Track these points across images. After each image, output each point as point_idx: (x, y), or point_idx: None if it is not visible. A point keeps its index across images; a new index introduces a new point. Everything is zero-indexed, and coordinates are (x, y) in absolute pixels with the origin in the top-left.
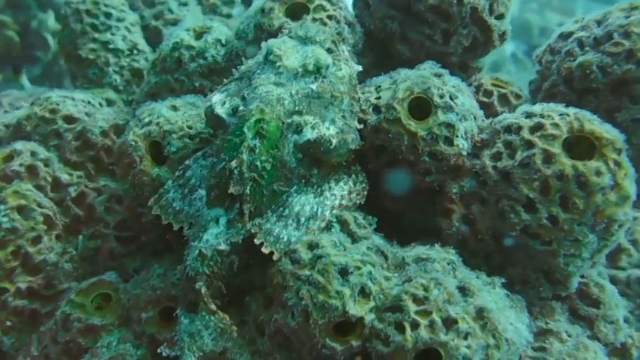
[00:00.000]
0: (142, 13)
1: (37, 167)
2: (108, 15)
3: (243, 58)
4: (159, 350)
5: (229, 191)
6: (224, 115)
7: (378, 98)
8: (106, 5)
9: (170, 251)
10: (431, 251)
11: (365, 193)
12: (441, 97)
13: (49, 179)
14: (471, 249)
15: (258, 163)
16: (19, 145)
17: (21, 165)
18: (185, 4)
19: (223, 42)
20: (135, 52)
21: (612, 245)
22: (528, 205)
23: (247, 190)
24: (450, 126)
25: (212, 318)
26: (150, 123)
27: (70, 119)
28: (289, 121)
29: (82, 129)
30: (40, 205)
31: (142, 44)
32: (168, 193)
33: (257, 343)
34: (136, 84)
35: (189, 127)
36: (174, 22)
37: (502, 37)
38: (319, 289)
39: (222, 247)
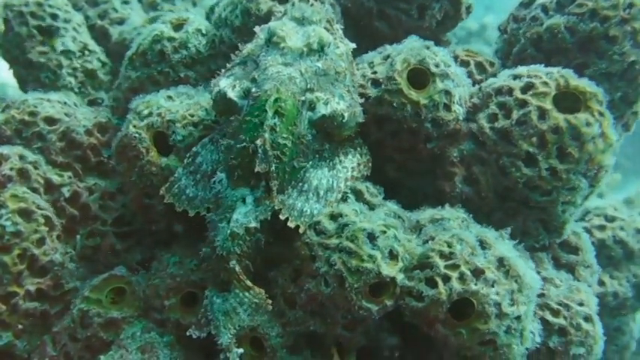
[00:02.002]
0: (87, 12)
1: (28, 170)
2: (54, 16)
3: (240, 45)
4: (188, 333)
5: (255, 170)
6: (236, 98)
7: (375, 73)
8: (50, 6)
9: (176, 240)
10: (443, 212)
11: (370, 164)
12: (437, 65)
13: (42, 181)
14: (474, 208)
15: (280, 140)
16: (5, 150)
17: (11, 169)
18: (127, 2)
19: (204, 32)
20: (86, 52)
21: (597, 190)
22: (528, 160)
23: (272, 167)
24: (447, 93)
25: (246, 294)
26: (151, 114)
27: (51, 120)
28: (303, 98)
29: (65, 129)
30: (39, 207)
31: (92, 44)
32: (179, 180)
33: (287, 315)
34: (90, 85)
35: (192, 116)
36: (120, 21)
37: (468, 10)
38: (351, 254)
39: (253, 224)
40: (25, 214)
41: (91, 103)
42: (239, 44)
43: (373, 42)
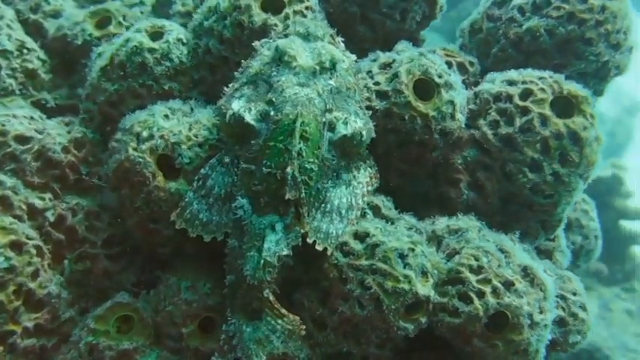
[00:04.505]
0: (17, 6)
1: (9, 197)
2: None
3: (227, 56)
4: None
5: (286, 197)
6: (253, 122)
7: (378, 84)
8: None
9: (177, 261)
10: (459, 222)
11: (378, 175)
12: (440, 76)
13: (24, 207)
14: (478, 212)
15: (306, 165)
16: None
17: None
18: None
19: (184, 40)
20: (25, 51)
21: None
22: (533, 165)
23: (303, 194)
24: (452, 103)
25: (279, 321)
26: (152, 137)
27: (22, 139)
28: (324, 120)
29: (40, 148)
30: (28, 237)
31: (30, 42)
32: (191, 205)
33: (315, 337)
34: (32, 86)
35: (195, 136)
36: (55, 14)
37: (441, 9)
38: (386, 276)
39: (285, 252)
40: (17, 246)
41: (35, 105)
42: (227, 56)
43: (352, 45)
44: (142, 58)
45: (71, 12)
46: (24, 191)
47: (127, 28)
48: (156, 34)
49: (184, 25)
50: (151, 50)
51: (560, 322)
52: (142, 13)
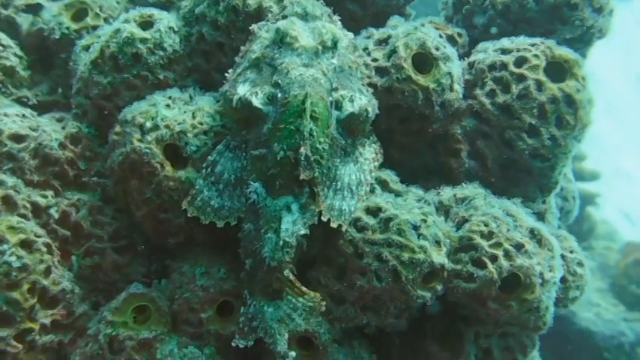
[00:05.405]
0: None
1: (12, 196)
2: None
3: (221, 41)
4: (234, 343)
5: (301, 177)
6: (261, 106)
7: (376, 60)
8: None
9: (186, 249)
10: (464, 190)
11: (382, 150)
12: (437, 49)
13: (28, 206)
14: (479, 180)
15: (318, 145)
16: None
17: None
18: None
19: (175, 29)
20: (0, 48)
21: None
22: (531, 131)
23: (316, 173)
24: (450, 74)
25: (300, 299)
26: (157, 127)
27: (17, 138)
28: (330, 99)
29: (37, 146)
30: (37, 235)
31: (5, 38)
32: (201, 192)
33: (334, 312)
34: (11, 84)
35: (200, 124)
36: (27, 9)
37: None
38: (402, 247)
39: (303, 231)
40: (27, 245)
41: (16, 103)
42: (223, 42)
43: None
44: (134, 49)
45: (45, 5)
46: (25, 190)
47: (105, 19)
48: (146, 24)
49: None
50: (143, 40)
51: (560, 280)
52: (118, 3)
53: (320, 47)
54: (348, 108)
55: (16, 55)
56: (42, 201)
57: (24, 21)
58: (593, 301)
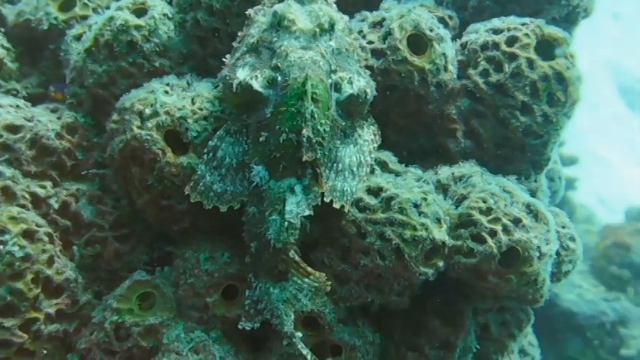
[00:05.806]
0: None
1: (11, 187)
2: None
3: (217, 26)
4: (240, 326)
5: (303, 159)
6: (261, 89)
7: (371, 42)
8: None
9: (187, 235)
10: (461, 169)
11: (379, 132)
12: (431, 30)
13: (27, 196)
14: (474, 159)
15: (319, 127)
16: None
17: None
18: None
19: (170, 15)
20: None
21: None
22: (523, 109)
23: (319, 155)
24: (444, 55)
25: (305, 280)
26: (156, 113)
27: (13, 128)
28: (330, 81)
29: (33, 136)
30: (38, 225)
31: None
32: (203, 178)
33: (339, 292)
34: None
35: (200, 109)
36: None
37: None
38: (404, 225)
39: (307, 212)
40: (29, 234)
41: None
42: (218, 27)
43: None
44: (129, 36)
45: None
46: (23, 181)
47: (94, 9)
48: (139, 11)
49: None
50: (138, 27)
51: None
52: None
53: (317, 30)
54: (347, 90)
55: (3, 47)
56: (41, 191)
57: (9, 12)
58: (575, 282)
